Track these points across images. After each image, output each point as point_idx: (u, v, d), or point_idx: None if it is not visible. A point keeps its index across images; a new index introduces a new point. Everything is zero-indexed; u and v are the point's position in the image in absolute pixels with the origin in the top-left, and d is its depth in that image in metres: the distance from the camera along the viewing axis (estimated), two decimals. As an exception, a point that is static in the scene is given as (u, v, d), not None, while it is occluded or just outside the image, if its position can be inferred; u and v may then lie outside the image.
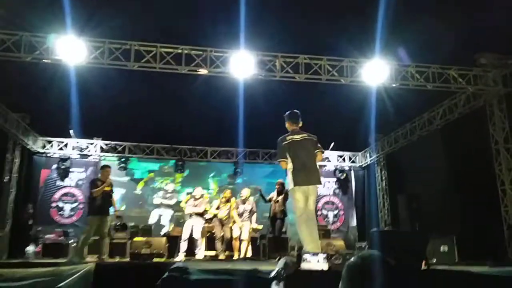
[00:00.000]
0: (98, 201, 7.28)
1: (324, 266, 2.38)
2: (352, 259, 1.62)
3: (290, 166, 4.91)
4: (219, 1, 9.65)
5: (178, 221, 12.55)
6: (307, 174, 4.87)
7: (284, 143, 5.00)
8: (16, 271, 6.74)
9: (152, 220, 13.10)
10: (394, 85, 9.06)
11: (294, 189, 4.90)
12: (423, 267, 2.82)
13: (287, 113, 5.31)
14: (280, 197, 8.82)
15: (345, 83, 9.06)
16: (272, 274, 2.06)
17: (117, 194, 13.25)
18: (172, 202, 13.69)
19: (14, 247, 10.69)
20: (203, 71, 8.75)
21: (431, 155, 11.18)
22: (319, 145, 5.10)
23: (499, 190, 8.77)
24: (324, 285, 2.33)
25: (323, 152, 5.12)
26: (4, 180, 11.34)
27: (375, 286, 1.48)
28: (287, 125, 5.27)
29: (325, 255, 2.41)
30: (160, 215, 13.47)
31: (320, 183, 4.98)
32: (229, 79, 9.26)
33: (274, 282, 2.00)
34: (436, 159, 11.00)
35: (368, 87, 9.41)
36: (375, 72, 8.83)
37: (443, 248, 8.53)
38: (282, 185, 8.85)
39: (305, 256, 2.38)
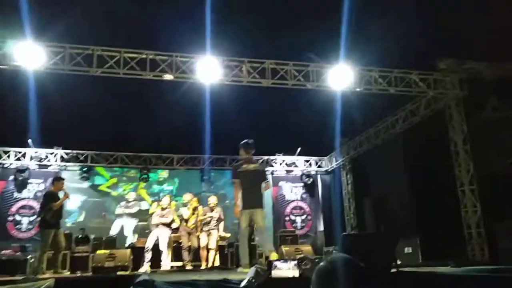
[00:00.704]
0: (52, 214, 7.15)
1: (295, 272, 2.33)
2: (321, 263, 1.57)
3: (240, 190, 5.84)
4: (185, 6, 9.54)
5: (143, 231, 11.86)
6: (253, 200, 5.79)
7: (238, 170, 5.93)
8: (-31, 291, 6.35)
9: (114, 231, 12.48)
10: (358, 89, 9.22)
11: (242, 212, 5.81)
12: (392, 269, 2.83)
13: (242, 142, 6.07)
14: None
15: (311, 87, 9.14)
16: (243, 283, 1.99)
17: (76, 201, 12.82)
18: (134, 210, 13.20)
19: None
20: (168, 77, 8.59)
21: (395, 158, 11.46)
22: (267, 176, 6.23)
23: (459, 191, 9.05)
24: (295, 292, 2.29)
25: (268, 183, 6.08)
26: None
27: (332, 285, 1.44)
28: (241, 152, 6.06)
29: (295, 261, 2.37)
30: (123, 225, 12.90)
31: (262, 207, 5.85)
32: (195, 85, 9.14)
33: (245, 292, 1.92)
34: (399, 162, 11.29)
35: (333, 91, 9.54)
36: (340, 76, 8.95)
37: (407, 249, 8.73)
38: None
39: (275, 263, 2.33)
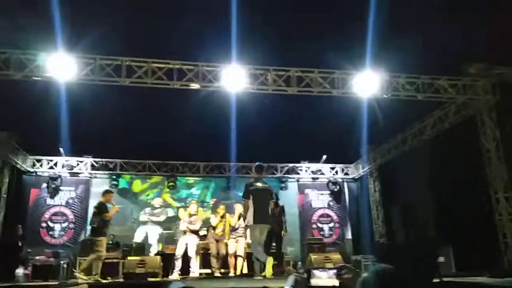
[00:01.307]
0: (103, 223, 7.62)
1: (335, 282, 2.32)
2: (365, 274, 1.56)
3: (251, 207, 6.63)
4: (211, 16, 9.69)
5: (168, 240, 11.82)
6: (262, 216, 6.62)
7: (250, 188, 6.76)
8: (6, 296, 6.55)
9: (138, 238, 12.47)
10: (385, 96, 9.11)
11: (253, 225, 6.60)
12: (435, 279, 2.77)
13: (256, 164, 7.40)
14: (276, 211, 8.68)
15: (337, 95, 9.09)
16: (282, 291, 1.99)
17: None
18: (161, 219, 13.22)
19: (3, 269, 10.37)
20: (194, 86, 8.71)
21: (423, 165, 11.23)
22: (274, 196, 7.26)
23: (493, 199, 8.80)
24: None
25: (275, 202, 7.35)
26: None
27: None
28: (253, 172, 7.55)
29: (334, 270, 2.36)
30: (147, 233, 12.96)
31: (268, 223, 6.74)
32: (221, 93, 9.24)
33: (285, 300, 1.92)
34: (428, 169, 11.06)
35: (359, 98, 9.46)
36: (366, 83, 8.88)
37: (440, 259, 8.50)
38: (276, 195, 8.72)
39: (314, 272, 2.32)
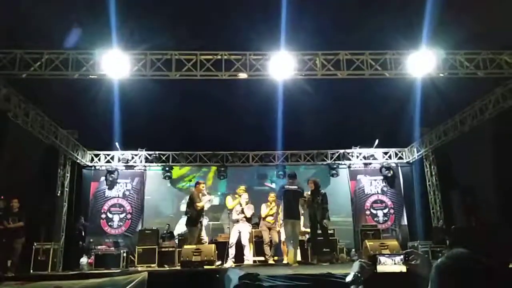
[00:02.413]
0: (196, 213, 8.34)
1: (402, 268, 2.22)
2: (440, 260, 1.46)
3: (282, 206, 8.10)
4: (256, 5, 9.60)
5: (218, 231, 11.40)
6: (292, 213, 7.91)
7: (282, 190, 8.14)
8: (74, 283, 6.95)
9: (179, 230, 11.92)
10: (441, 74, 8.65)
11: (285, 221, 8.05)
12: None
13: (288, 173, 9.52)
14: (319, 198, 8.47)
15: (389, 76, 8.75)
16: (349, 278, 1.92)
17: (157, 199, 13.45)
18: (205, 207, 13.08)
19: (68, 258, 11.05)
20: (243, 75, 8.72)
21: (484, 146, 10.60)
22: (303, 194, 8.17)
23: None
24: (403, 287, 2.18)
25: (304, 198, 8.17)
26: (57, 195, 11.77)
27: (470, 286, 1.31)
28: (287, 178, 9.01)
29: (401, 256, 2.26)
30: None
31: (298, 219, 8.05)
32: (269, 82, 9.18)
33: (352, 287, 1.85)
34: (489, 151, 10.42)
35: (411, 79, 9.05)
36: (421, 63, 8.45)
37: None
38: (315, 183, 8.55)
39: (380, 258, 2.24)
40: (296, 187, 8.08)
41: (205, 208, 8.83)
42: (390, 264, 2.26)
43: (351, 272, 2.06)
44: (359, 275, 1.99)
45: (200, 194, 8.65)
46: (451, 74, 8.64)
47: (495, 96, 9.67)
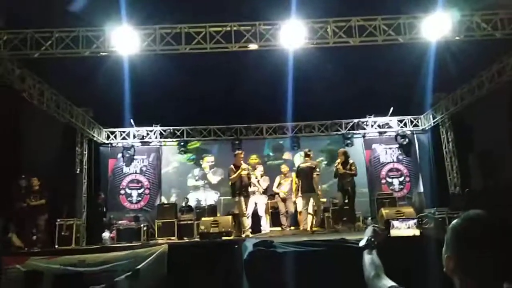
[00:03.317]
0: (238, 184, 8.27)
1: (415, 231, 2.23)
2: (455, 221, 1.45)
3: (297, 181, 8.70)
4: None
5: (229, 207, 10.94)
6: (307, 187, 8.36)
7: (299, 168, 8.75)
8: (98, 256, 7.19)
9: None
10: (457, 37, 8.39)
11: (302, 195, 8.54)
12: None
13: (304, 152, 9.30)
14: (347, 167, 8.56)
15: (404, 41, 8.54)
16: (362, 242, 1.94)
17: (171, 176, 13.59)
18: (213, 181, 13.15)
19: (90, 233, 11.36)
20: (253, 47, 8.61)
21: (503, 109, 10.36)
22: (316, 169, 8.55)
23: None
24: (417, 250, 2.19)
25: (318, 174, 8.59)
26: (77, 172, 12.02)
27: (489, 248, 1.31)
28: (303, 156, 9.30)
29: (414, 220, 2.26)
30: (198, 199, 12.85)
31: (313, 191, 8.39)
32: (278, 52, 9.05)
33: (366, 251, 1.87)
34: (508, 114, 10.19)
35: (425, 44, 8.80)
36: (436, 26, 8.20)
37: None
38: (344, 154, 8.60)
39: (393, 222, 2.25)
40: (309, 163, 8.56)
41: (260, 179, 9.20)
42: (403, 228, 2.27)
43: (364, 237, 2.08)
44: (372, 239, 2.01)
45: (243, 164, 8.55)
46: (467, 37, 8.38)
47: (514, 57, 9.38)
